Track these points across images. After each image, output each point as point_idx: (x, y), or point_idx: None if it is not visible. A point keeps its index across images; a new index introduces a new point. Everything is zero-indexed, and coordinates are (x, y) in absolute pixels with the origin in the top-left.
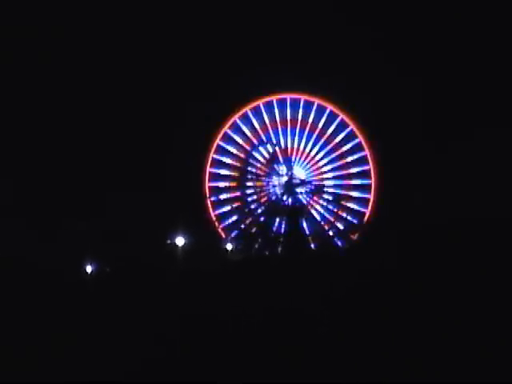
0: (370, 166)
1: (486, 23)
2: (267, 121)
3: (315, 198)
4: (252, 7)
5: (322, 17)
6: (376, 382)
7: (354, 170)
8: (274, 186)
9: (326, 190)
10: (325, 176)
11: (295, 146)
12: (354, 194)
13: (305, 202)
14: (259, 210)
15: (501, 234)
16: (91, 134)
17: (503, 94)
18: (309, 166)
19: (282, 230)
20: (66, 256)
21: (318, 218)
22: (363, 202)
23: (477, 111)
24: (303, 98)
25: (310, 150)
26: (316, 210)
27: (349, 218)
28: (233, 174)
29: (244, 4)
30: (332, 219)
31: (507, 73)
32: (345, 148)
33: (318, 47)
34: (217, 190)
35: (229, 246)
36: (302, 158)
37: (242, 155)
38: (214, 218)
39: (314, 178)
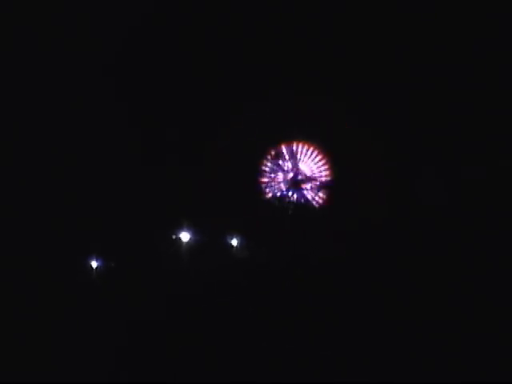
0: None
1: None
2: None
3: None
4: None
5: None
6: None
7: None
8: (279, 183)
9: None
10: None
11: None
12: None
13: (310, 198)
14: None
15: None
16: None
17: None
18: (315, 161)
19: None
20: (70, 251)
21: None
22: None
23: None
24: None
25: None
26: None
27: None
28: None
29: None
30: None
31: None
32: None
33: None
34: None
35: (234, 242)
36: (308, 154)
37: None
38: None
39: (320, 174)
